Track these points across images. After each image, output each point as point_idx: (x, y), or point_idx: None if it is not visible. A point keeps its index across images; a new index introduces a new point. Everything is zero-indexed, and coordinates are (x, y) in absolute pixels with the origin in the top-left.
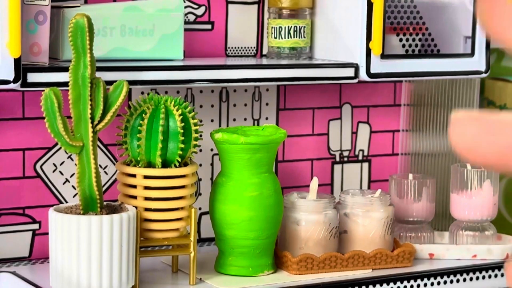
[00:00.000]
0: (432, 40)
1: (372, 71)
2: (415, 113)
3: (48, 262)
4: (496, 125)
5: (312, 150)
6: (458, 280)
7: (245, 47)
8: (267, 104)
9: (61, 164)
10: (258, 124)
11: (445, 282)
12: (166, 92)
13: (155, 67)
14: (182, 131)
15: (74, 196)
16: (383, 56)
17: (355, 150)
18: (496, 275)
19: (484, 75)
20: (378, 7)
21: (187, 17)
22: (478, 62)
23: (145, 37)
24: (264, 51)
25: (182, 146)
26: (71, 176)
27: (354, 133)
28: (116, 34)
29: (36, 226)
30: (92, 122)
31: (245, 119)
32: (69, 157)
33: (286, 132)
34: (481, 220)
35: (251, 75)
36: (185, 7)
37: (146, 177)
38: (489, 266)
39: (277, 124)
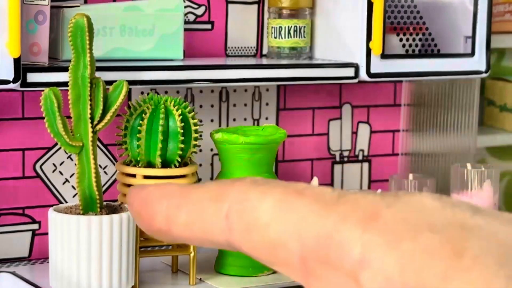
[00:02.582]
0: (432, 40)
1: (372, 71)
2: (415, 113)
3: (48, 262)
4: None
5: (312, 150)
6: None
7: (245, 47)
8: (267, 104)
9: (61, 164)
10: (258, 124)
11: None
12: (166, 92)
13: (155, 67)
14: (182, 131)
15: (74, 196)
16: (383, 56)
17: (355, 150)
18: None
19: (484, 75)
20: (378, 7)
21: (187, 17)
22: (478, 62)
23: (145, 37)
24: (264, 51)
25: (182, 146)
26: (71, 176)
27: (354, 133)
28: (116, 34)
29: (35, 226)
30: (91, 122)
31: (245, 119)
32: (69, 157)
33: (286, 132)
34: None
35: (251, 75)
36: (185, 7)
37: (146, 177)
38: None
39: (277, 124)
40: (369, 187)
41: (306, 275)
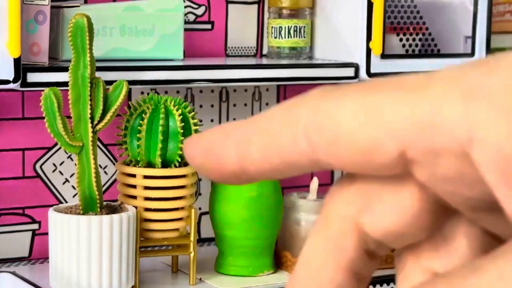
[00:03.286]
0: (432, 40)
1: (372, 71)
2: None
3: (48, 262)
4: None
5: None
6: None
7: (245, 47)
8: (267, 104)
9: (61, 164)
10: None
11: None
12: (166, 92)
13: (155, 67)
14: (182, 131)
15: (74, 196)
16: (383, 56)
17: None
18: None
19: None
20: (378, 7)
21: (187, 17)
22: None
23: (145, 37)
24: (264, 51)
25: (182, 146)
26: (71, 176)
27: None
28: (116, 34)
29: (36, 226)
30: (92, 122)
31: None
32: (69, 157)
33: None
34: None
35: (251, 75)
36: (185, 7)
37: (146, 177)
38: None
39: None
40: None
41: (408, 168)
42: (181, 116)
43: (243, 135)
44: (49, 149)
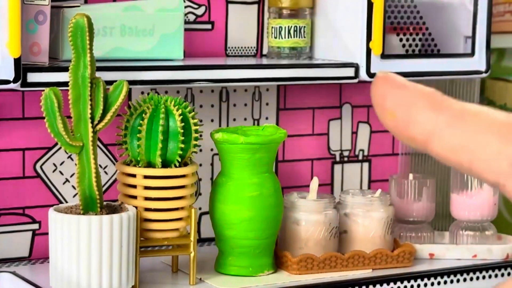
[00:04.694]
0: (432, 40)
1: (372, 71)
2: None
3: (48, 262)
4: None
5: (312, 150)
6: (458, 280)
7: (245, 47)
8: (267, 104)
9: (61, 164)
10: (258, 124)
11: (445, 282)
12: (166, 92)
13: (155, 67)
14: (182, 131)
15: (74, 196)
16: (383, 56)
17: (355, 150)
18: (496, 275)
19: (484, 75)
20: (378, 7)
21: (187, 17)
22: (478, 62)
23: (145, 37)
24: (264, 51)
25: (182, 146)
26: (71, 176)
27: (354, 133)
28: (116, 34)
29: (36, 226)
30: (92, 122)
31: (245, 119)
32: (69, 157)
33: (286, 132)
34: (481, 220)
35: (251, 75)
36: (185, 7)
37: (146, 177)
38: (489, 266)
39: (277, 124)
40: (369, 187)
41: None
42: (181, 116)
43: (448, 118)
44: (49, 149)
